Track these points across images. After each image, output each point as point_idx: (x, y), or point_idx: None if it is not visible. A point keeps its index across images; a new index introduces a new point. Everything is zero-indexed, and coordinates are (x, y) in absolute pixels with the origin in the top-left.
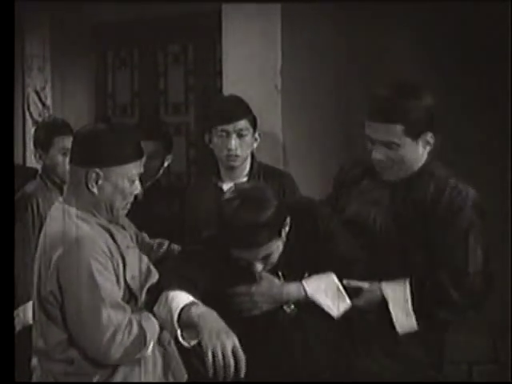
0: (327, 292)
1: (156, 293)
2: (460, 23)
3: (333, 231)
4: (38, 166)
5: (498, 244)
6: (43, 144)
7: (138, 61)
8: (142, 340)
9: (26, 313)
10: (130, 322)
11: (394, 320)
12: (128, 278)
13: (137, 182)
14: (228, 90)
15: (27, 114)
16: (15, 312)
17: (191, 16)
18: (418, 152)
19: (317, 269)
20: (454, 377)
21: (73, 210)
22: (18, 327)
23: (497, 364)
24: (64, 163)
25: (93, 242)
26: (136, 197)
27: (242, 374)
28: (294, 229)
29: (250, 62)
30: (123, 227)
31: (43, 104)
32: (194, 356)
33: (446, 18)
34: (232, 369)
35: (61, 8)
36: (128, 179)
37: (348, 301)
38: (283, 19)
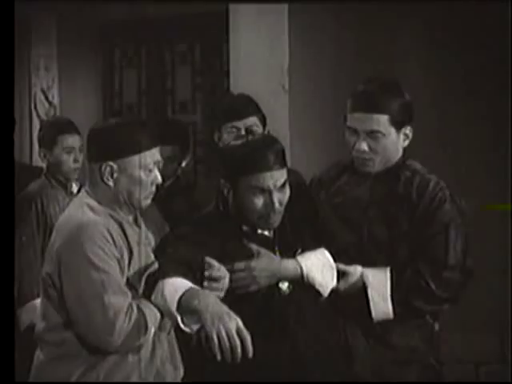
0: (322, 269)
1: (153, 282)
2: (460, 23)
3: (329, 216)
4: (44, 165)
5: (497, 244)
6: (47, 143)
7: (145, 60)
8: (142, 325)
9: (30, 312)
10: (131, 307)
11: (371, 305)
12: (131, 272)
13: (155, 171)
14: (235, 89)
15: (34, 113)
16: (19, 311)
17: (198, 15)
18: (399, 144)
19: (309, 246)
20: (460, 377)
21: (88, 200)
22: (22, 326)
23: (503, 364)
24: (68, 161)
25: (94, 227)
26: (158, 187)
27: (250, 354)
28: (293, 207)
29: (258, 61)
30: (137, 224)
31: (50, 103)
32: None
33: (446, 18)
34: (239, 350)
35: (68, 7)
36: (144, 169)
37: (335, 280)
38: (290, 19)
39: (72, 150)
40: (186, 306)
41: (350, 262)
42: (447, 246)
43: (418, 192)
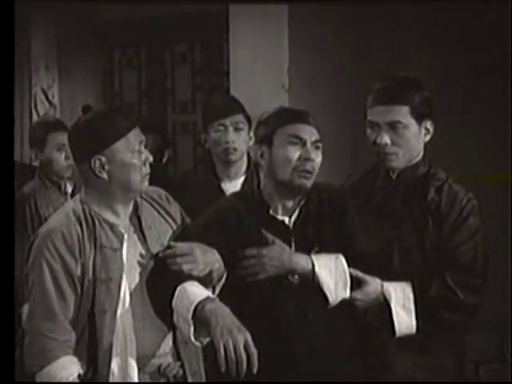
0: (333, 273)
1: (171, 286)
2: (460, 23)
3: (356, 224)
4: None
5: (497, 243)
6: (38, 142)
7: (145, 60)
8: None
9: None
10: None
11: (394, 319)
12: (96, 277)
13: (144, 151)
14: (235, 89)
15: (34, 112)
16: (20, 310)
17: (198, 15)
18: (421, 138)
19: (327, 248)
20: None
21: (70, 203)
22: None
23: (503, 364)
24: (60, 159)
25: (48, 236)
26: (151, 165)
27: (255, 370)
28: (322, 206)
29: (258, 61)
30: (132, 222)
31: (50, 103)
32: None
33: (446, 18)
34: (244, 364)
35: (68, 7)
36: (131, 151)
37: (348, 292)
38: (290, 19)
39: (62, 147)
40: (200, 315)
41: (368, 273)
42: (475, 253)
43: (448, 203)
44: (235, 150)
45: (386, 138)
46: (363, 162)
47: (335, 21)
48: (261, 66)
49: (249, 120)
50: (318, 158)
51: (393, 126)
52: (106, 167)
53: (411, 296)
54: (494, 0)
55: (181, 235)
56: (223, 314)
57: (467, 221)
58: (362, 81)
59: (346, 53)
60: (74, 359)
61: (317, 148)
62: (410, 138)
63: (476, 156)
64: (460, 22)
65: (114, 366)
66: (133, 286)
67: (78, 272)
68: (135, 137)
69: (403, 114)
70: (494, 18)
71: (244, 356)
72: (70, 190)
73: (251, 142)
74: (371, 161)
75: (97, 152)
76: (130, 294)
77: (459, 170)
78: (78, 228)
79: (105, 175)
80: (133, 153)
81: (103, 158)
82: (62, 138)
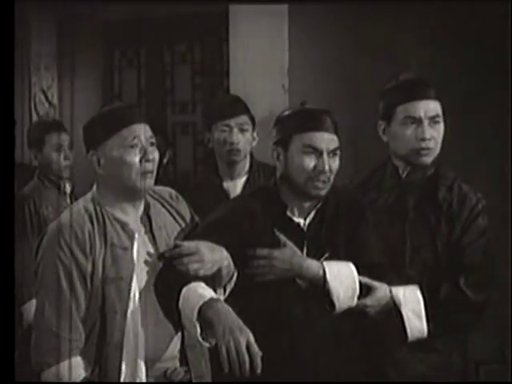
0: (343, 281)
1: (177, 287)
2: (460, 23)
3: (370, 233)
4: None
5: (498, 244)
6: (36, 143)
7: (145, 60)
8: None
9: (28, 311)
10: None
11: (406, 324)
12: (106, 276)
13: (143, 147)
14: (235, 89)
15: (34, 113)
16: (20, 310)
17: (198, 16)
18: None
19: (338, 256)
20: (460, 376)
21: (81, 200)
22: (25, 325)
23: (503, 364)
24: (58, 159)
25: (59, 232)
26: (159, 164)
27: (259, 370)
28: (338, 211)
29: (258, 61)
30: (143, 223)
31: (50, 103)
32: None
33: (446, 18)
34: (247, 365)
35: (68, 7)
36: (124, 147)
37: (355, 301)
38: (290, 19)
39: (61, 148)
40: (204, 316)
41: (376, 280)
42: (484, 252)
43: (458, 202)
44: (239, 151)
45: (429, 132)
46: (364, 162)
47: (335, 21)
48: (261, 66)
49: (253, 120)
50: (334, 165)
51: (434, 121)
52: (101, 162)
53: (421, 300)
54: (494, 0)
55: (191, 233)
56: (225, 315)
57: (477, 220)
58: (363, 81)
59: (346, 53)
60: (82, 361)
61: (334, 155)
62: (441, 134)
63: (475, 155)
64: (460, 22)
65: (124, 365)
66: (142, 286)
67: (89, 269)
68: (131, 132)
69: (440, 108)
70: (494, 18)
71: (246, 357)
72: (69, 190)
73: (254, 143)
74: (372, 160)
75: (93, 147)
76: (140, 294)
77: (459, 169)
78: (89, 225)
79: (101, 171)
80: (125, 148)
81: (97, 152)
82: (60, 138)
